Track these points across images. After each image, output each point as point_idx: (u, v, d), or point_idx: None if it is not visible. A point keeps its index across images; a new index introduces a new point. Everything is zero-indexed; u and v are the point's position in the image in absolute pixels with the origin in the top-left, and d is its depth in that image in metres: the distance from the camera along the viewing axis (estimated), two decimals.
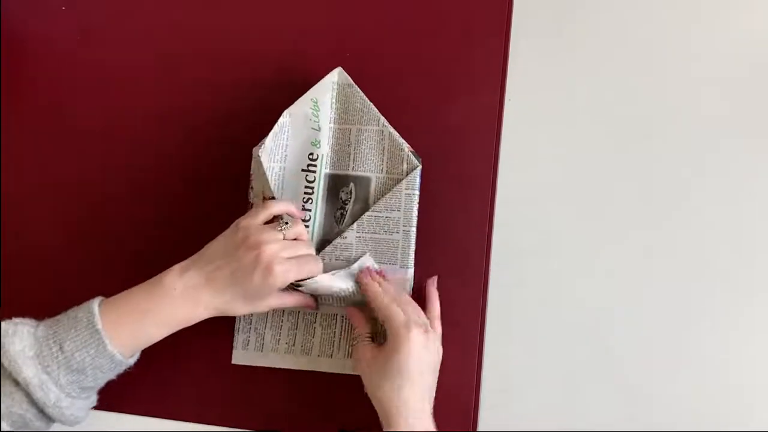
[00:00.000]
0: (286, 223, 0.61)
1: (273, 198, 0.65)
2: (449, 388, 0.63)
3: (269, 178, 0.65)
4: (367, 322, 0.64)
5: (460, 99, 0.71)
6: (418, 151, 0.67)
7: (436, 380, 0.61)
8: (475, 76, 0.71)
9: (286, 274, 0.57)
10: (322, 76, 0.69)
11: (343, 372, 0.66)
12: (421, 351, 0.59)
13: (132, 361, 0.58)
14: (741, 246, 0.67)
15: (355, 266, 0.64)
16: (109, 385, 0.62)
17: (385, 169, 0.67)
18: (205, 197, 0.71)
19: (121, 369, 0.57)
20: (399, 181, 0.66)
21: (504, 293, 0.67)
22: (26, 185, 0.73)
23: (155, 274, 0.60)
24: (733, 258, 0.66)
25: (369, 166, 0.67)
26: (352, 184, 0.67)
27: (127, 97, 0.74)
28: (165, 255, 0.66)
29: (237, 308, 0.59)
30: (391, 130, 0.67)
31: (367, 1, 0.74)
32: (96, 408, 0.63)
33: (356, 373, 0.63)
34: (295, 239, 0.61)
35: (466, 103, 0.70)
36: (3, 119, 0.75)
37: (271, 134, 0.67)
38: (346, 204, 0.67)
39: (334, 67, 0.69)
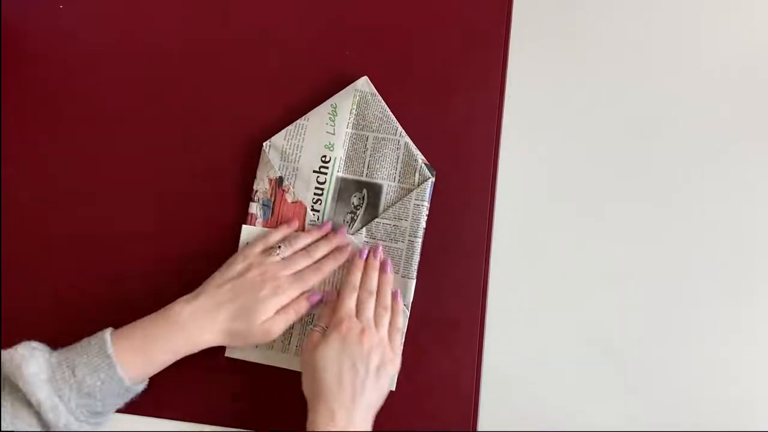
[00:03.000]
0: (279, 247, 0.66)
1: (280, 178, 0.69)
2: (450, 388, 0.63)
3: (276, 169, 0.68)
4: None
5: (460, 98, 0.72)
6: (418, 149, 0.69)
7: (357, 394, 0.58)
8: (475, 74, 0.73)
9: (291, 287, 0.63)
10: (322, 74, 0.72)
11: None
12: (329, 350, 0.59)
13: (140, 387, 0.60)
14: (741, 246, 0.68)
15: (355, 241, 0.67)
16: None
17: (397, 178, 0.68)
18: (209, 192, 0.71)
19: (129, 396, 0.59)
20: (410, 191, 0.68)
21: (504, 292, 0.68)
22: (25, 183, 0.72)
23: (157, 272, 0.64)
24: (733, 258, 0.68)
25: (382, 174, 0.69)
26: (365, 190, 0.69)
27: (127, 95, 0.74)
28: (168, 250, 0.68)
29: (238, 329, 0.61)
30: (408, 140, 0.69)
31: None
32: None
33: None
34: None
35: (465, 103, 0.72)
36: (2, 117, 0.73)
37: (283, 132, 0.69)
38: (358, 209, 0.68)
39: (334, 66, 0.72)
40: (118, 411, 0.64)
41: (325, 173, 0.69)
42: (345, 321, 0.61)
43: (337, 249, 0.67)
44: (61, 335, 0.59)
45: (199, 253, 0.68)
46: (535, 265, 0.69)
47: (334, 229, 0.68)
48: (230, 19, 0.76)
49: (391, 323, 0.64)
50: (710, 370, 0.66)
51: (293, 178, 0.69)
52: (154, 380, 0.65)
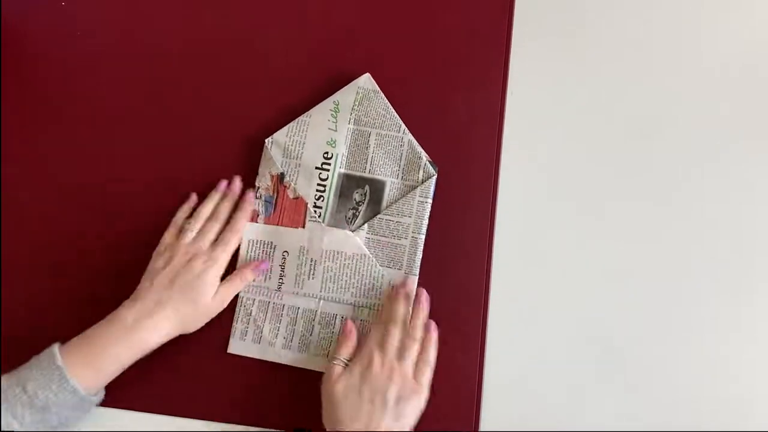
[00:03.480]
0: (188, 222, 0.67)
1: (282, 174, 0.69)
2: (451, 389, 0.63)
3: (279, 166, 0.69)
4: (352, 345, 0.64)
5: (462, 97, 0.72)
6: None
7: (373, 428, 0.57)
8: (477, 73, 0.73)
9: (218, 254, 0.65)
10: (322, 74, 0.72)
11: None
12: (349, 383, 0.59)
13: (96, 398, 0.59)
14: (741, 244, 0.68)
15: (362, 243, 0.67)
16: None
17: (400, 175, 0.69)
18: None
19: (86, 406, 0.59)
20: (413, 187, 0.68)
21: (506, 291, 0.67)
22: (25, 182, 0.72)
23: None
24: (733, 257, 0.68)
25: (385, 171, 0.69)
26: (367, 186, 0.69)
27: (127, 95, 0.74)
28: None
29: (188, 313, 0.62)
30: (411, 138, 0.69)
31: None
32: None
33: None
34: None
35: (467, 102, 0.72)
36: (2, 115, 0.73)
37: (285, 129, 0.70)
38: (360, 205, 0.68)
39: (334, 65, 0.72)
40: (118, 408, 0.65)
41: (327, 170, 0.69)
42: (367, 354, 0.61)
43: (241, 202, 0.69)
44: (61, 334, 0.59)
45: None
46: (536, 264, 0.68)
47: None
48: (230, 19, 0.76)
49: (420, 356, 0.63)
50: (710, 369, 0.66)
51: (295, 175, 0.69)
52: (155, 377, 0.65)
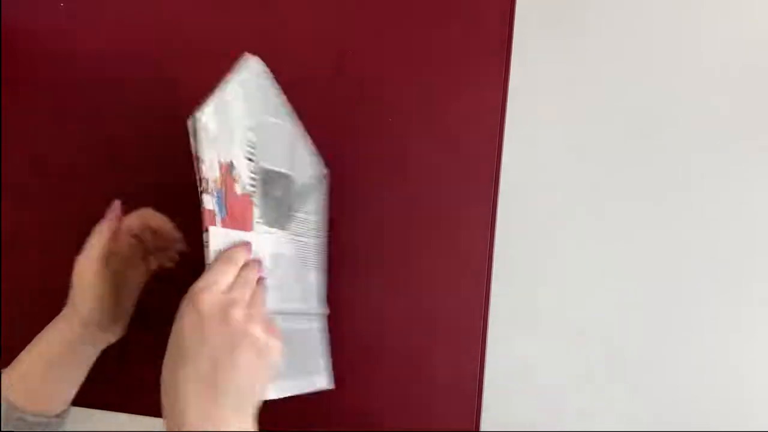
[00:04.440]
0: None
1: (231, 164, 0.54)
2: (453, 388, 0.63)
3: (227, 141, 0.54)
4: None
5: (463, 96, 0.72)
6: (420, 148, 0.69)
7: (227, 369, 0.47)
8: (478, 73, 0.73)
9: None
10: (323, 75, 0.72)
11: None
12: (189, 321, 0.48)
13: (29, 413, 0.56)
14: (742, 244, 0.68)
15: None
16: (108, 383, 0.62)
17: (300, 170, 0.64)
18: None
19: (20, 421, 0.56)
20: (313, 183, 0.66)
21: (506, 292, 0.68)
22: (26, 183, 0.72)
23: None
24: (734, 256, 0.68)
25: (298, 167, 0.64)
26: (283, 181, 0.61)
27: (127, 95, 0.74)
28: None
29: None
30: (299, 128, 0.65)
31: None
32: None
33: None
34: None
35: (468, 101, 0.72)
36: (2, 117, 0.74)
37: (211, 105, 0.53)
38: (280, 202, 0.61)
39: (335, 67, 0.72)
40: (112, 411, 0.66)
41: (254, 161, 0.57)
42: (206, 292, 0.49)
43: None
44: None
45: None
46: (536, 264, 0.69)
47: None
48: (229, 19, 0.76)
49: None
50: (710, 369, 0.66)
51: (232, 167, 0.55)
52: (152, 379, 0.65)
